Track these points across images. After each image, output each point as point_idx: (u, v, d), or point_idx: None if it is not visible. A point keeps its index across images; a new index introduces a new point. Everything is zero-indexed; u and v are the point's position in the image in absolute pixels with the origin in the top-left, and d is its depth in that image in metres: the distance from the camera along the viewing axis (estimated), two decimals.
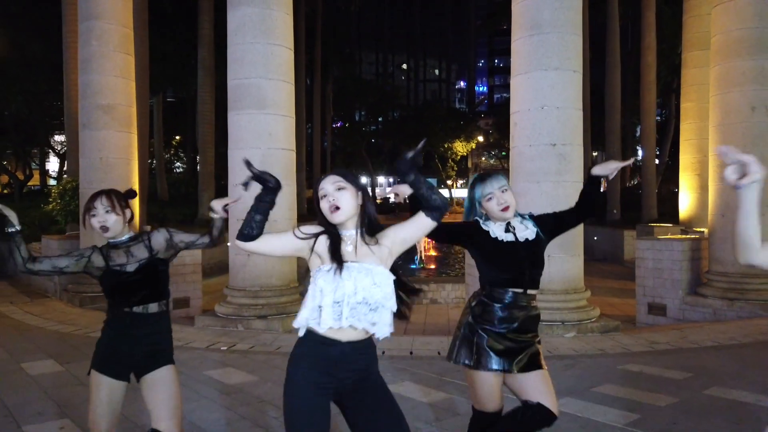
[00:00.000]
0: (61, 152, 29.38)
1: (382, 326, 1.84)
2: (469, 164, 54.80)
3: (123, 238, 2.35)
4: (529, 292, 2.40)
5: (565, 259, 6.26)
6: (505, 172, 2.59)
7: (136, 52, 9.40)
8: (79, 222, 8.74)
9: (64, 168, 29.41)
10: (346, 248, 1.86)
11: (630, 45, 26.52)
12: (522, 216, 2.49)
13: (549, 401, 2.33)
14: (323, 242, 1.87)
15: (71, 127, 13.21)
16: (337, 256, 1.82)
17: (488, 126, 49.90)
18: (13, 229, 2.22)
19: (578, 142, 6.38)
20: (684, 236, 9.68)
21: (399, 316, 1.90)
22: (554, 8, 6.18)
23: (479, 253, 2.45)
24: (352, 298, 1.78)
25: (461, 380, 4.42)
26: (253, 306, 6.72)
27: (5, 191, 29.22)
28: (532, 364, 2.36)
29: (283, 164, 6.91)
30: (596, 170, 2.45)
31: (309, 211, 20.98)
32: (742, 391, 4.09)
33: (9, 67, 19.65)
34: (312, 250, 1.87)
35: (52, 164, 36.26)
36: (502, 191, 2.38)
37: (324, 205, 1.87)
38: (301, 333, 1.85)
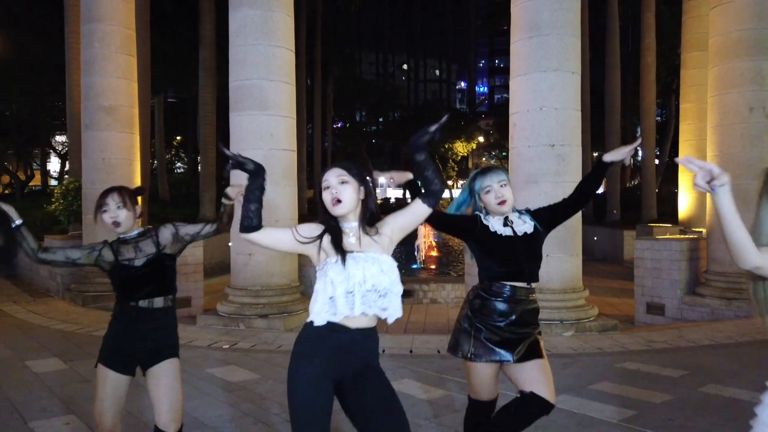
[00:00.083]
0: (62, 153, 29.46)
1: (392, 310, 1.91)
2: (470, 164, 54.86)
3: (132, 234, 2.42)
4: (527, 285, 2.45)
5: (563, 259, 6.32)
6: (505, 171, 2.63)
7: (138, 52, 9.46)
8: (82, 222, 8.83)
9: (66, 168, 29.49)
10: (350, 240, 1.92)
11: (630, 46, 26.56)
12: (519, 212, 2.55)
13: (544, 389, 2.36)
14: (328, 238, 1.92)
15: (73, 128, 13.30)
16: (339, 248, 1.88)
17: (489, 126, 49.95)
18: (16, 224, 2.27)
19: (577, 142, 6.44)
20: (682, 236, 9.73)
21: (405, 294, 1.96)
22: (553, 10, 6.24)
23: (478, 247, 2.51)
24: (362, 287, 1.84)
25: (460, 378, 4.48)
26: (255, 305, 6.78)
27: (6, 191, 29.30)
28: (531, 353, 2.40)
29: (285, 165, 6.97)
30: (608, 157, 2.49)
31: (310, 211, 21.03)
32: (738, 389, 4.15)
33: (11, 67, 19.72)
34: (320, 248, 1.92)
35: (53, 164, 36.34)
36: (501, 185, 2.45)
37: (326, 197, 1.92)
38: (318, 323, 1.88)
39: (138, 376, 2.45)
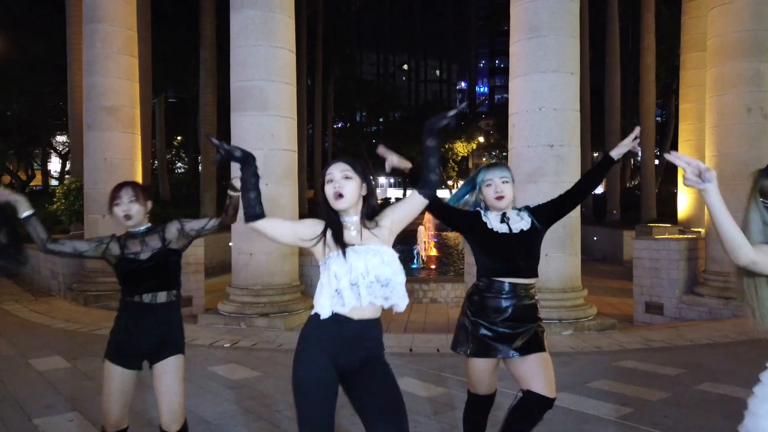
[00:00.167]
0: (62, 153, 29.53)
1: (396, 299, 1.94)
2: (470, 165, 54.89)
3: (141, 229, 2.48)
4: (523, 281, 2.47)
5: (562, 258, 6.36)
6: (510, 170, 2.67)
7: (139, 53, 9.51)
8: (83, 222, 8.87)
9: (66, 168, 29.57)
10: (350, 233, 1.97)
11: (630, 46, 26.61)
12: (519, 209, 2.58)
13: (542, 384, 2.39)
14: (330, 232, 1.97)
15: (75, 128, 13.35)
16: (340, 242, 1.93)
17: (489, 126, 49.98)
18: (27, 214, 2.32)
19: (576, 143, 6.49)
20: (681, 236, 9.78)
21: None
22: (552, 11, 6.28)
23: (476, 243, 2.56)
24: (366, 278, 1.89)
25: (459, 376, 4.53)
26: (256, 304, 6.83)
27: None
28: (532, 347, 2.42)
29: (286, 165, 7.02)
30: (615, 152, 2.52)
31: (310, 211, 21.08)
32: (734, 387, 4.19)
33: (11, 67, 19.77)
34: (324, 243, 1.96)
35: (54, 164, 36.40)
36: (503, 181, 2.50)
37: (329, 190, 1.96)
38: (324, 315, 1.93)
39: (144, 372, 2.49)
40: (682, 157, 1.59)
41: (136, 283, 2.40)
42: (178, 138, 34.85)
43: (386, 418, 1.90)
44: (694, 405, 3.89)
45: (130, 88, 8.82)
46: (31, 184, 29.88)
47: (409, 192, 2.09)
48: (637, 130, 2.58)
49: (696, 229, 10.69)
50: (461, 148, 45.18)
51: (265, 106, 6.88)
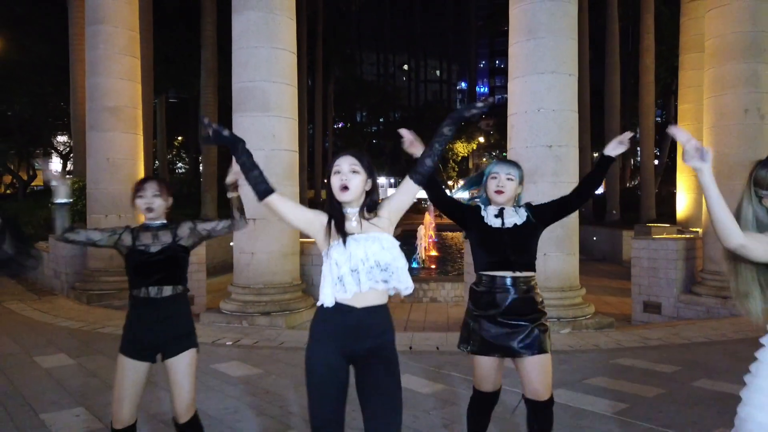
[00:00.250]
0: (63, 153, 29.59)
1: (396, 282, 2.00)
2: (470, 165, 54.95)
3: (157, 223, 2.57)
4: (518, 275, 2.50)
5: (561, 258, 6.43)
6: (520, 170, 2.72)
7: (141, 53, 9.58)
8: (86, 221, 8.93)
9: (67, 168, 29.62)
10: (351, 224, 2.04)
11: (630, 46, 26.66)
12: (518, 206, 2.61)
13: (533, 387, 2.46)
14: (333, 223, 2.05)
15: (78, 129, 13.42)
16: (341, 231, 2.00)
17: (489, 127, 50.04)
18: (61, 201, 2.45)
19: (574, 143, 6.55)
20: (679, 236, 9.83)
21: None
22: (550, 13, 6.35)
23: (473, 237, 2.61)
24: (365, 264, 1.95)
25: (458, 372, 4.60)
26: (257, 303, 6.89)
27: (9, 191, 29.43)
28: (531, 348, 2.45)
29: (287, 165, 7.09)
30: (609, 150, 2.55)
31: None
32: (729, 384, 4.24)
33: (13, 68, 19.83)
34: (329, 233, 2.03)
35: (55, 165, 36.48)
36: (507, 178, 2.54)
37: (335, 182, 2.03)
38: (328, 304, 1.99)
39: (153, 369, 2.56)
40: (683, 133, 1.64)
41: (144, 275, 2.47)
42: (179, 138, 34.92)
43: (378, 417, 1.97)
44: (689, 401, 3.95)
45: (133, 88, 8.89)
46: (33, 184, 29.97)
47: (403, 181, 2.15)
48: (630, 133, 2.63)
49: (694, 229, 10.75)
50: (461, 148, 45.29)
51: (266, 107, 6.95)
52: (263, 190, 2.01)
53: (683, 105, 12.22)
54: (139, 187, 2.55)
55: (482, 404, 2.64)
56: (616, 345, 5.67)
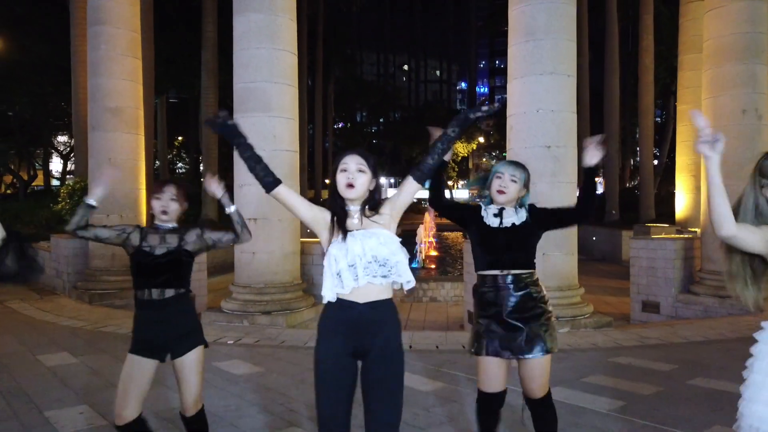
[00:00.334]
0: (64, 153, 29.65)
1: (395, 276, 2.04)
2: (470, 165, 54.98)
3: (167, 226, 2.62)
4: (511, 272, 2.52)
5: (559, 257, 6.47)
6: (526, 172, 2.76)
7: (142, 54, 9.63)
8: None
9: (68, 168, 29.69)
10: (353, 221, 2.09)
11: (630, 47, 26.70)
12: (519, 206, 2.62)
13: (530, 387, 2.51)
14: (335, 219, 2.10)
15: (79, 129, 13.46)
16: (342, 227, 2.05)
17: (489, 127, 50.01)
18: (89, 202, 2.55)
19: (573, 144, 6.60)
20: (677, 236, 9.88)
21: None
22: (549, 15, 6.40)
23: (473, 237, 2.65)
24: (363, 259, 2.00)
25: (456, 371, 4.65)
26: (258, 302, 6.94)
27: (9, 191, 29.48)
28: (536, 348, 2.47)
29: (288, 165, 7.13)
30: (586, 162, 2.54)
31: None
32: (725, 382, 4.29)
33: (14, 68, 19.88)
34: (332, 229, 2.08)
35: (55, 164, 36.51)
36: (511, 179, 2.56)
37: (341, 179, 2.07)
38: (328, 299, 2.05)
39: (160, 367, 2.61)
40: (702, 120, 1.68)
41: (147, 276, 2.52)
42: (180, 138, 34.98)
43: (377, 413, 2.02)
44: (685, 399, 4.00)
45: (134, 89, 8.94)
46: (33, 184, 30.03)
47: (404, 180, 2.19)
48: (600, 137, 2.61)
49: (693, 229, 10.80)
50: (461, 148, 45.29)
51: (267, 108, 6.99)
52: (271, 181, 2.06)
53: (682, 105, 12.27)
54: (157, 189, 2.60)
55: (486, 405, 2.62)
56: (614, 344, 5.72)
